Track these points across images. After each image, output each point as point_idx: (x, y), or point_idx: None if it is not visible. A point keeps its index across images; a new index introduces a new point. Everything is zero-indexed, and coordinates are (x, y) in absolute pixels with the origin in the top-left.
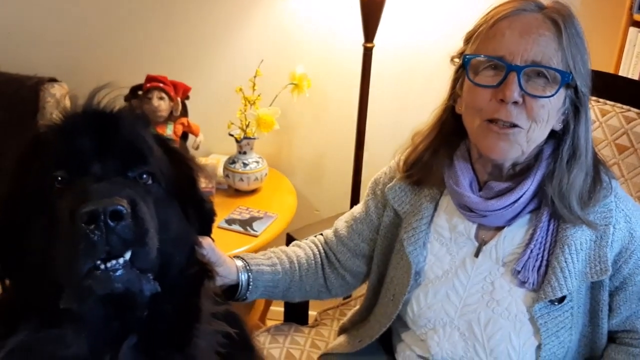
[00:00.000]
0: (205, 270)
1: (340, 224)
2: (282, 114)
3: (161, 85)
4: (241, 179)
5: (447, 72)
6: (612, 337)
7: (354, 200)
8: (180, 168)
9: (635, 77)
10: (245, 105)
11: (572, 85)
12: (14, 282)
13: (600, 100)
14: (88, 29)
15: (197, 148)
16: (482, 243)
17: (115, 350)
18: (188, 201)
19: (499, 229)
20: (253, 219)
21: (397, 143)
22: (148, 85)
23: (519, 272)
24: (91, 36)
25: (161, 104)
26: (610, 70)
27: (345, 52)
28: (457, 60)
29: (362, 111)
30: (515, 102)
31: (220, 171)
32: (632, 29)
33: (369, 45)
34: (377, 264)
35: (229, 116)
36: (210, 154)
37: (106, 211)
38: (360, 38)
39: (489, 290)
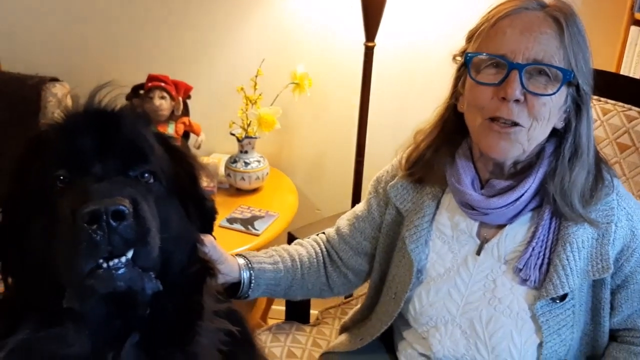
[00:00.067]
0: (207, 268)
1: (343, 222)
2: (283, 114)
3: (163, 84)
4: (242, 178)
5: (448, 72)
6: (614, 335)
7: (355, 199)
8: (181, 166)
9: (637, 76)
10: (247, 104)
11: (573, 84)
12: (15, 281)
13: (602, 99)
14: (89, 28)
15: (198, 147)
16: (484, 241)
17: (118, 349)
18: (189, 199)
19: (501, 227)
20: (254, 218)
21: (398, 142)
22: (150, 84)
23: (520, 270)
24: (93, 36)
25: (163, 103)
26: (612, 69)
27: (346, 52)
28: (459, 58)
29: (363, 110)
30: (517, 100)
31: (221, 170)
32: (633, 28)
33: (370, 44)
34: (379, 262)
35: (230, 115)
36: (212, 153)
37: (108, 211)
38: (361, 37)
39: (490, 288)
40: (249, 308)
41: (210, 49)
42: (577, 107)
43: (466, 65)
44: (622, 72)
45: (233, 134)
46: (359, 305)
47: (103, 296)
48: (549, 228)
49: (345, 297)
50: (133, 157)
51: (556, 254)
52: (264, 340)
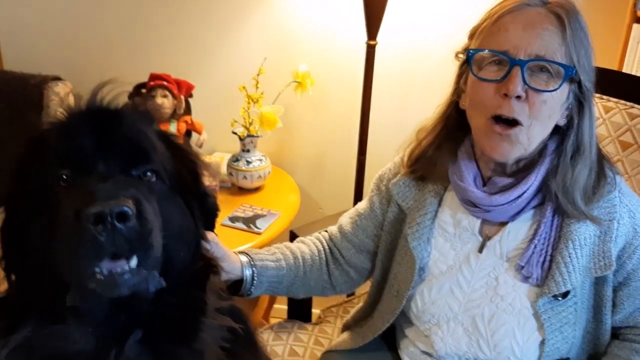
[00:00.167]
0: (210, 265)
1: (345, 220)
2: (285, 112)
3: (165, 83)
4: (244, 177)
5: (450, 70)
6: (616, 333)
7: (357, 197)
8: (183, 163)
9: (639, 74)
10: (249, 103)
11: (575, 80)
12: (17, 279)
13: (604, 97)
14: (92, 27)
15: (200, 146)
16: (486, 238)
17: (121, 345)
18: (192, 196)
19: (503, 224)
20: (256, 216)
21: (400, 140)
22: (152, 83)
23: (522, 267)
24: (95, 35)
25: (165, 102)
26: (614, 67)
27: (347, 50)
28: (461, 55)
29: (365, 109)
30: (518, 97)
31: (223, 169)
32: (635, 26)
33: (372, 42)
34: (381, 259)
35: (232, 114)
36: (214, 152)
37: (112, 212)
38: (363, 36)
39: (492, 285)
40: (251, 307)
41: (212, 48)
42: (580, 104)
43: (468, 62)
44: (624, 70)
45: (235, 133)
46: (361, 304)
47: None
48: (551, 225)
49: (347, 296)
50: (136, 156)
51: (558, 251)
52: (266, 338)
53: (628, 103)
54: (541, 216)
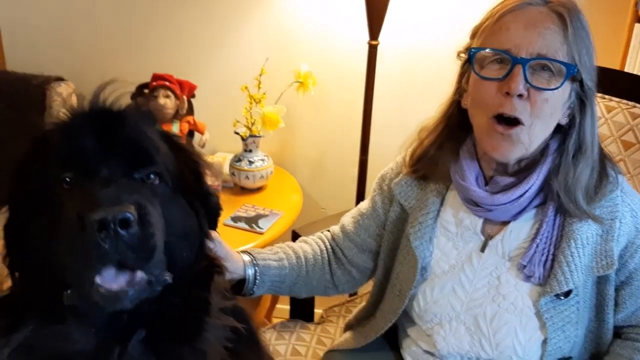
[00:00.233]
0: (214, 265)
1: (347, 219)
2: (287, 112)
3: (167, 83)
4: (247, 177)
5: (452, 70)
6: (618, 332)
7: (360, 197)
8: (186, 164)
9: None
10: (251, 103)
11: (577, 79)
12: (20, 276)
13: (606, 96)
14: (94, 28)
15: (203, 146)
16: (488, 238)
17: (124, 345)
18: (195, 196)
19: (505, 223)
20: (259, 216)
21: (402, 140)
22: (154, 83)
23: (525, 266)
24: (97, 35)
25: (167, 103)
26: (616, 66)
27: (349, 50)
28: (463, 55)
29: (367, 109)
30: (520, 96)
31: (226, 169)
32: (637, 25)
33: (373, 42)
34: (383, 259)
35: (234, 114)
36: (216, 152)
37: (116, 219)
38: (365, 36)
39: (495, 284)
40: (254, 307)
41: (214, 48)
42: (582, 103)
43: (470, 61)
44: (626, 70)
45: (237, 133)
46: (363, 303)
47: None
48: (553, 224)
49: (350, 296)
50: (138, 159)
51: (560, 250)
52: (269, 338)
53: (630, 102)
54: (543, 215)
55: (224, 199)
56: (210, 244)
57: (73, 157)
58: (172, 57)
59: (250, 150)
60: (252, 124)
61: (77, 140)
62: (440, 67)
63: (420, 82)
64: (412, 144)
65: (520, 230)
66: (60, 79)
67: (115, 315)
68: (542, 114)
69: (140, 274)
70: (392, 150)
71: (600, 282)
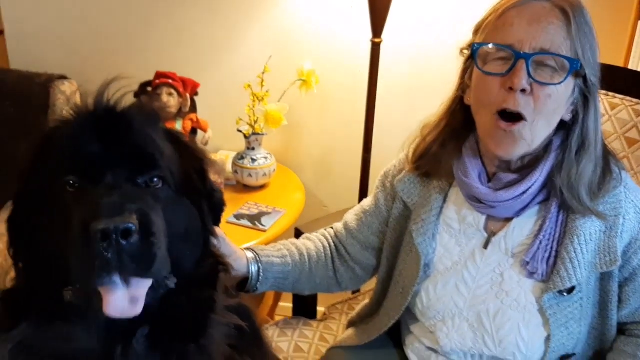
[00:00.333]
0: (219, 263)
1: (350, 217)
2: (290, 110)
3: (170, 81)
4: (250, 175)
5: (455, 67)
6: (622, 329)
7: (362, 195)
8: (190, 161)
9: None
10: (254, 101)
11: (581, 74)
12: (24, 268)
13: (610, 93)
14: (97, 26)
15: (206, 144)
16: (491, 234)
17: (127, 342)
18: (199, 194)
19: (508, 220)
20: (262, 214)
21: (405, 138)
22: (157, 81)
23: (528, 263)
24: (101, 33)
25: (170, 100)
26: (620, 63)
27: (352, 48)
28: (466, 51)
29: (370, 106)
30: (524, 91)
31: (228, 167)
32: None
33: (376, 40)
34: (386, 256)
35: (237, 112)
36: (219, 150)
37: (118, 230)
38: (368, 34)
39: (498, 281)
40: (257, 304)
41: (217, 46)
42: (585, 99)
43: (473, 56)
44: (630, 67)
45: (240, 131)
46: (366, 300)
47: None
48: (557, 221)
49: (353, 293)
50: (143, 164)
51: (564, 246)
52: (272, 335)
53: (634, 99)
54: (546, 212)
55: (227, 196)
56: (214, 241)
57: (77, 161)
58: (175, 55)
59: (253, 148)
60: (255, 122)
61: (81, 145)
62: (443, 64)
63: (423, 80)
64: (415, 141)
65: (523, 227)
66: (63, 78)
67: None
68: (546, 109)
69: (142, 292)
70: (394, 148)
71: (604, 278)
